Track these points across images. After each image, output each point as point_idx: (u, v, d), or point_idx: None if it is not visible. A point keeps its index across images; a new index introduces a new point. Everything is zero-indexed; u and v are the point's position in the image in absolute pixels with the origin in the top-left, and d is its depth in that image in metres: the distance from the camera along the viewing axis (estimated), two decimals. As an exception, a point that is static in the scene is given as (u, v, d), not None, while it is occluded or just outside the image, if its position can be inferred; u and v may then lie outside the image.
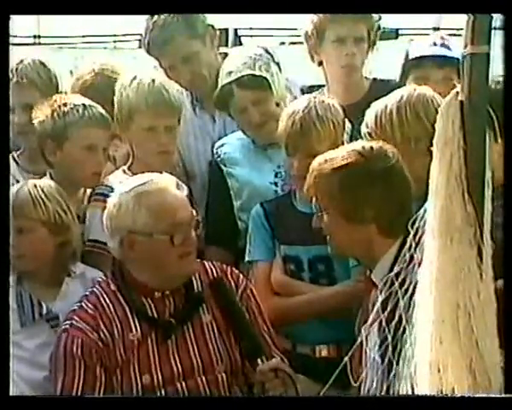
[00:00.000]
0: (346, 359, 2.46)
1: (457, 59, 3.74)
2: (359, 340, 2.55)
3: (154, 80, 3.60)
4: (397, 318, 2.31)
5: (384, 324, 2.47)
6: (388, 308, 2.37)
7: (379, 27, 3.96)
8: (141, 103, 3.58)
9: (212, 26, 4.02)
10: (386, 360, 2.44)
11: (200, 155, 4.00)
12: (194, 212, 3.21)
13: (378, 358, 2.68)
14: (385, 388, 2.49)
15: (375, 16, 3.93)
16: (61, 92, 3.85)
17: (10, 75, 3.69)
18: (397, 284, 2.31)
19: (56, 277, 3.36)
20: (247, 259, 3.54)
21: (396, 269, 2.33)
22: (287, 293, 3.45)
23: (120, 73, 3.94)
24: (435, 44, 3.80)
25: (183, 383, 3.11)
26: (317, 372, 3.16)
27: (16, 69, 3.77)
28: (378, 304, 2.70)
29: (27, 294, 3.31)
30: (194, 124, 4.08)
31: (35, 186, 3.33)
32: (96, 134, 3.57)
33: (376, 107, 3.25)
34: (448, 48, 3.79)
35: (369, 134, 3.21)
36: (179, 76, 3.98)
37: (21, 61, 3.81)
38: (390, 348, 2.41)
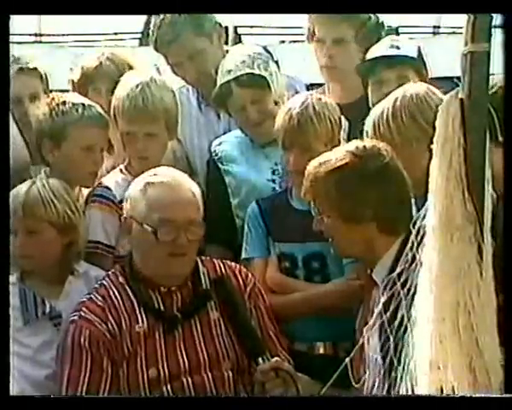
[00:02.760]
0: (347, 360, 2.46)
1: (407, 56, 3.77)
2: (361, 341, 2.55)
3: (137, 85, 3.58)
4: (399, 318, 2.31)
5: (386, 324, 2.46)
6: (390, 309, 2.36)
7: (375, 26, 3.96)
8: (120, 108, 3.60)
9: (220, 24, 4.02)
10: (388, 360, 2.44)
11: (204, 153, 4.00)
12: (195, 215, 3.18)
13: (380, 359, 2.68)
14: (386, 388, 2.49)
15: (364, 16, 3.93)
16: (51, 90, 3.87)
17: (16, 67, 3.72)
18: (399, 284, 2.30)
19: (61, 275, 3.36)
20: (243, 256, 3.54)
21: (398, 269, 2.32)
22: (281, 291, 3.45)
23: (128, 61, 3.95)
24: (384, 47, 3.81)
25: (189, 379, 3.12)
26: (315, 370, 3.16)
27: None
28: (380, 305, 2.70)
29: (31, 292, 3.31)
30: (200, 121, 4.08)
31: (44, 186, 3.32)
32: (94, 134, 3.57)
33: (373, 115, 3.26)
34: (397, 48, 3.80)
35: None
36: (185, 73, 3.99)
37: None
38: (392, 349, 2.41)
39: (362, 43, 3.95)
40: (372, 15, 3.95)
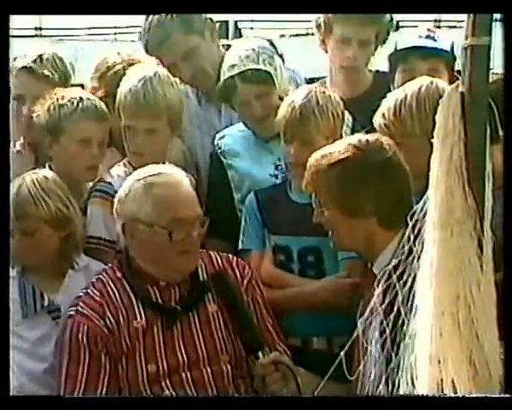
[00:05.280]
0: (342, 354, 2.46)
1: (443, 50, 3.76)
2: (355, 334, 2.55)
3: (140, 80, 3.56)
4: (395, 310, 2.31)
5: (382, 316, 2.47)
6: (386, 301, 2.37)
7: (391, 27, 3.95)
8: (122, 101, 3.58)
9: (211, 19, 3.99)
10: (385, 352, 2.44)
11: (205, 148, 3.99)
12: (200, 210, 3.19)
13: (376, 351, 2.68)
14: (383, 380, 2.49)
15: (387, 18, 3.92)
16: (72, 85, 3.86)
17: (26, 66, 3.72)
18: (395, 276, 2.31)
19: (60, 269, 3.36)
20: (239, 247, 3.55)
21: (394, 262, 2.33)
22: (275, 284, 3.44)
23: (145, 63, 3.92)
24: (420, 37, 3.81)
25: (188, 374, 3.12)
26: (309, 365, 3.17)
27: (35, 61, 3.77)
28: (375, 297, 2.70)
29: (30, 285, 3.31)
30: (200, 117, 4.06)
31: (34, 184, 3.30)
32: (90, 127, 3.55)
33: (394, 99, 3.22)
34: (433, 39, 3.79)
35: (386, 126, 3.18)
36: (181, 73, 3.96)
37: (40, 56, 3.80)
38: (389, 341, 2.41)
39: (379, 42, 3.95)
40: (390, 15, 3.96)
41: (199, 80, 4.00)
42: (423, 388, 2.11)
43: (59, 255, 3.35)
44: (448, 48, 3.80)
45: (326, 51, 4.01)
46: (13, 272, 3.26)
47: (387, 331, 2.40)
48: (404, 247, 2.21)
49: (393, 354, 2.28)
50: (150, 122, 3.55)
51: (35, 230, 3.27)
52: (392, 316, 2.33)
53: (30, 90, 3.72)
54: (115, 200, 3.23)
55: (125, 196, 3.19)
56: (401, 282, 2.25)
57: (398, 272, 2.28)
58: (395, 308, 2.30)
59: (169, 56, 3.92)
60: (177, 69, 3.94)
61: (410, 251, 2.19)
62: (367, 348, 2.77)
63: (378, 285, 2.40)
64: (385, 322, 2.42)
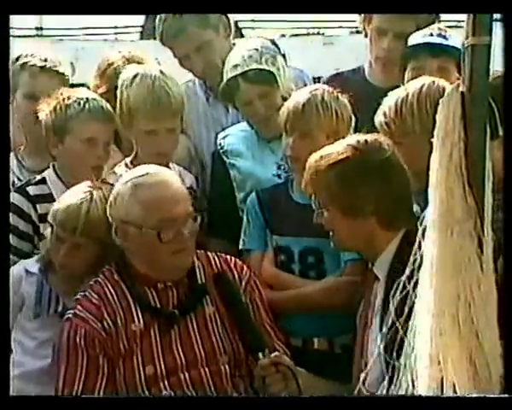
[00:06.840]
0: (345, 356, 2.45)
1: (454, 48, 3.75)
2: (358, 336, 2.54)
3: (154, 82, 3.55)
4: (406, 312, 2.29)
5: (390, 322, 2.45)
6: (405, 311, 2.33)
7: (432, 21, 3.94)
8: (140, 106, 3.54)
9: (226, 16, 4.01)
10: (388, 354, 2.44)
11: (211, 146, 3.97)
12: (190, 207, 3.17)
13: (378, 354, 2.68)
14: (386, 381, 2.49)
15: (429, 15, 3.91)
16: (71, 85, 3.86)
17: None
18: (409, 287, 2.27)
19: (83, 279, 3.32)
20: (240, 247, 3.53)
21: (407, 271, 2.30)
22: (275, 285, 3.43)
23: (146, 61, 3.91)
24: (432, 35, 3.81)
25: (187, 374, 3.10)
26: (311, 365, 3.16)
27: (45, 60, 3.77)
28: (378, 300, 2.69)
29: (48, 287, 3.31)
30: (207, 114, 4.06)
31: (102, 204, 3.25)
32: (96, 128, 3.54)
33: (395, 97, 3.22)
34: (444, 38, 3.79)
35: (387, 124, 3.18)
36: (193, 66, 3.98)
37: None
38: (390, 343, 2.41)
39: None
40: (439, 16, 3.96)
41: (209, 74, 4.00)
42: (423, 388, 2.11)
43: (91, 267, 3.31)
44: (459, 47, 3.79)
45: (366, 36, 4.03)
46: (35, 268, 3.31)
47: (388, 334, 2.40)
48: (416, 254, 2.19)
49: (394, 355, 2.28)
50: (171, 121, 3.56)
51: (85, 246, 3.26)
52: (401, 320, 2.31)
53: (47, 88, 3.71)
54: (107, 205, 3.21)
55: (114, 199, 3.16)
56: (416, 291, 2.22)
57: (412, 282, 2.25)
58: (405, 311, 2.28)
59: (183, 48, 3.95)
60: (189, 61, 3.96)
61: (422, 258, 2.17)
62: (368, 349, 2.77)
63: (393, 295, 2.35)
64: (388, 324, 2.41)
